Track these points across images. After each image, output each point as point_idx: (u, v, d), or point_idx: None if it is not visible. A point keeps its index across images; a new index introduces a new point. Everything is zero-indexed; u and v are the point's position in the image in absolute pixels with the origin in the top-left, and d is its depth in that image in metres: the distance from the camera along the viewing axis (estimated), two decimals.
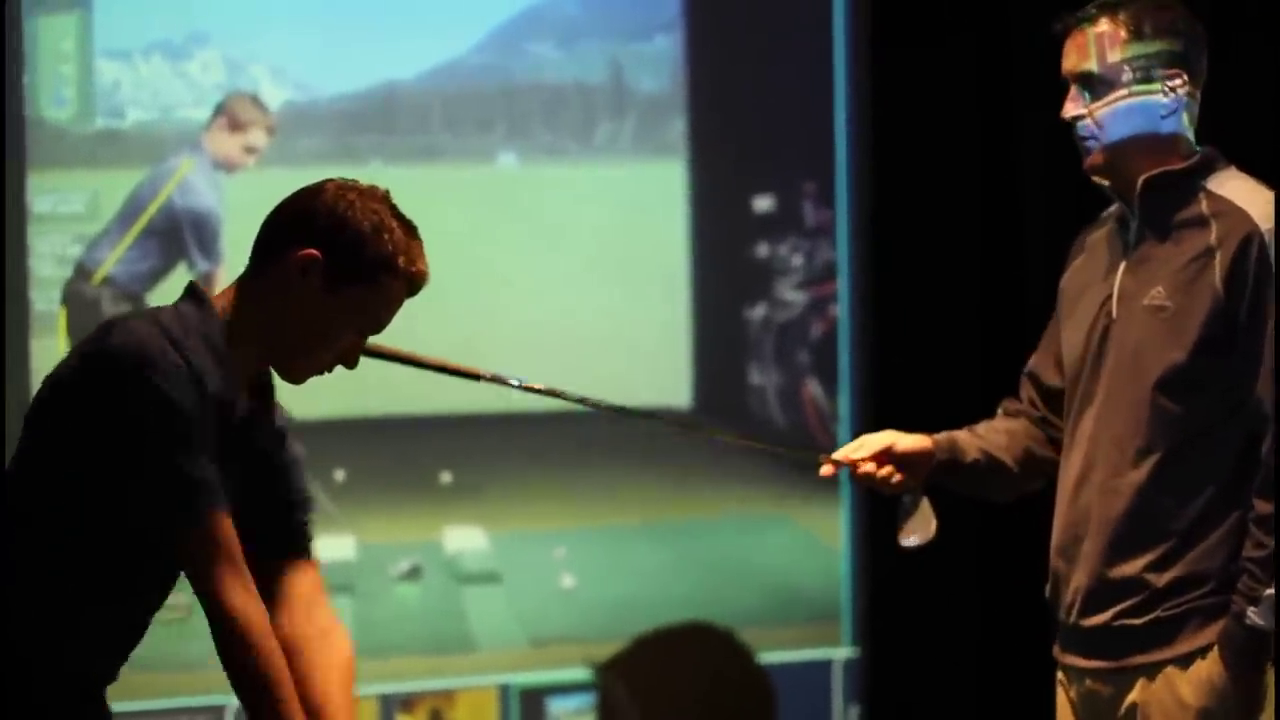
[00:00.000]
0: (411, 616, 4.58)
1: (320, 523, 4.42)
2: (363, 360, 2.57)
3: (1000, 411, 3.26)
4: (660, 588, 4.75)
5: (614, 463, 4.70)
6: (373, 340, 2.58)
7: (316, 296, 2.47)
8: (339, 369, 2.54)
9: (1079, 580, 3.00)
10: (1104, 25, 2.97)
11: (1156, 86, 2.96)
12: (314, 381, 2.54)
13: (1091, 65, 2.97)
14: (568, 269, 4.73)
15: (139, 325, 2.39)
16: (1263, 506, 2.85)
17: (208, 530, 2.35)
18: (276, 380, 2.56)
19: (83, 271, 4.36)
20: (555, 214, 4.75)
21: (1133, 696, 2.95)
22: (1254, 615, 2.84)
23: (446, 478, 4.62)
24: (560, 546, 4.71)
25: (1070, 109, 3.00)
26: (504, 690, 4.62)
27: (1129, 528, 2.95)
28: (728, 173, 4.86)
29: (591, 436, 4.60)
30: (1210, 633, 2.90)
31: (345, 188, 2.51)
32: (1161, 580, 2.93)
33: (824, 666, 4.83)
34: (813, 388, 4.88)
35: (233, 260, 4.24)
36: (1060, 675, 3.09)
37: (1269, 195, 2.93)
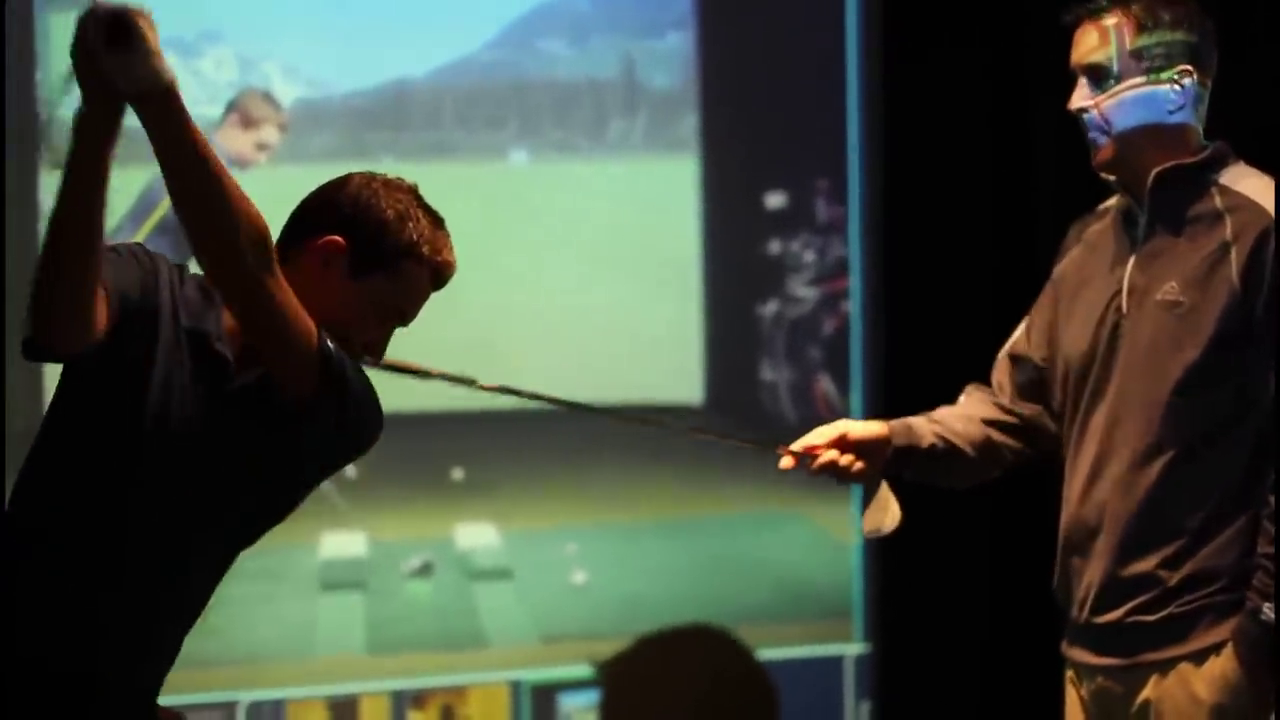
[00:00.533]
0: (423, 613, 4.58)
1: (331, 519, 4.47)
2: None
3: (964, 396, 3.24)
4: (672, 584, 4.74)
5: (625, 459, 4.70)
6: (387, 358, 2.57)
7: (341, 284, 2.47)
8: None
9: (1091, 577, 3.00)
10: (1114, 17, 2.97)
11: (1165, 79, 2.95)
12: None
13: (1100, 57, 2.96)
14: (579, 265, 4.73)
15: None
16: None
17: None
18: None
19: None
20: (567, 211, 4.74)
21: (1146, 693, 2.95)
22: (1269, 611, 2.84)
23: (458, 474, 4.62)
24: (572, 543, 4.70)
25: (1077, 100, 2.99)
26: (515, 686, 4.62)
27: (1143, 524, 2.94)
28: (740, 169, 4.85)
29: (603, 433, 4.59)
30: (1224, 629, 2.90)
31: (371, 178, 2.53)
32: (1175, 577, 2.92)
33: (835, 663, 4.82)
34: (825, 384, 4.88)
35: None
36: (1069, 672, 3.09)
37: None
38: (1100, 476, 2.99)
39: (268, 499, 2.50)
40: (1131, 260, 2.99)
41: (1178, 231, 2.95)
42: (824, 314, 4.87)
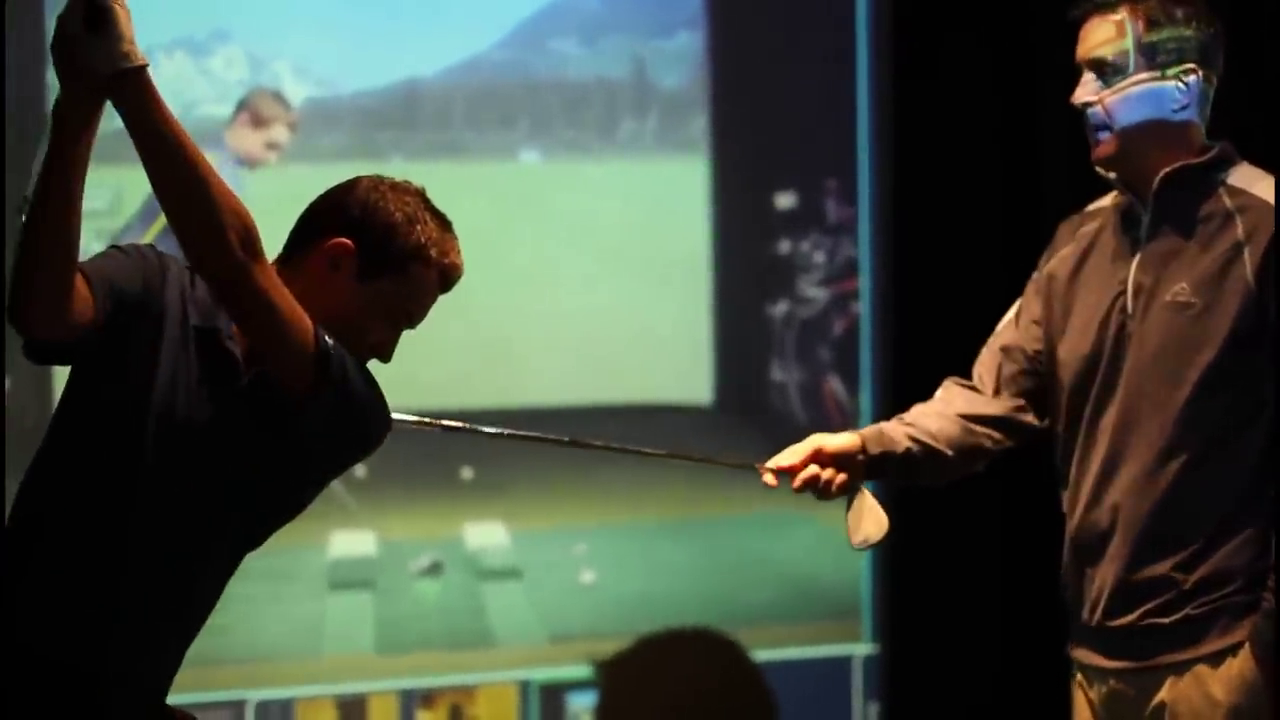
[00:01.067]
0: (432, 612, 4.58)
1: (340, 518, 4.47)
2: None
3: (940, 391, 3.22)
4: (680, 584, 4.74)
5: (634, 459, 4.70)
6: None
7: (349, 286, 2.49)
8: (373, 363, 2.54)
9: (1103, 579, 2.98)
10: (1121, 13, 2.95)
11: (1172, 76, 2.94)
12: None
13: (1108, 51, 2.95)
14: (589, 265, 4.73)
15: None
16: None
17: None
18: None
19: None
20: (577, 210, 4.75)
21: (1160, 696, 2.93)
22: None
23: (467, 474, 4.62)
24: (581, 543, 4.71)
25: (1081, 94, 2.97)
26: (524, 686, 4.62)
27: (1158, 527, 2.93)
28: (750, 169, 4.85)
29: (612, 434, 4.60)
30: (1240, 630, 2.89)
31: (379, 181, 2.55)
32: (1190, 579, 2.91)
33: (844, 663, 4.82)
34: (834, 384, 4.88)
35: None
36: (1079, 675, 3.07)
37: None
38: (1112, 479, 2.97)
39: (274, 498, 2.50)
40: (1135, 261, 2.97)
41: (1185, 232, 2.94)
42: (834, 314, 4.87)
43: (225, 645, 4.20)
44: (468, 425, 2.97)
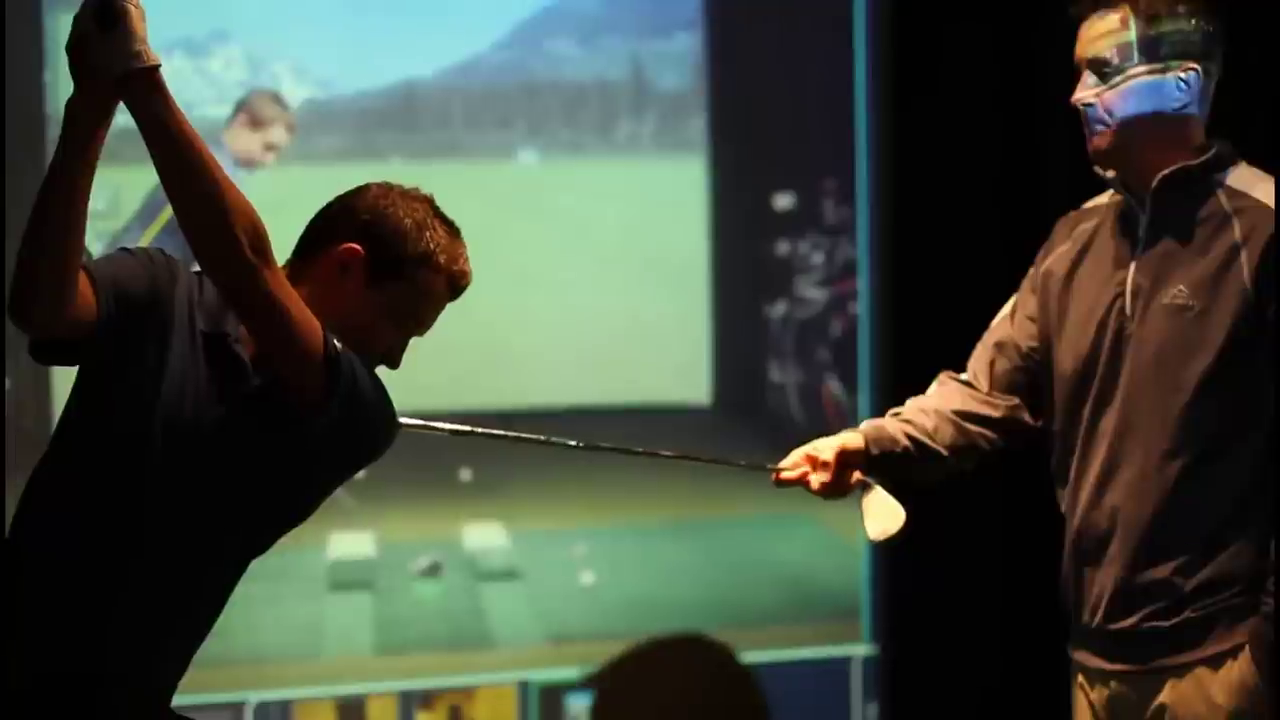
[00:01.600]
0: (431, 614, 4.59)
1: (340, 519, 4.47)
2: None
3: (936, 385, 3.21)
4: (679, 586, 4.75)
5: (633, 461, 4.70)
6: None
7: (358, 292, 2.49)
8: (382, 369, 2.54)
9: (1104, 582, 2.97)
10: (1121, 11, 2.94)
11: (1172, 71, 2.93)
12: None
13: (1108, 47, 2.94)
14: (588, 266, 4.73)
15: None
16: None
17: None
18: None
19: None
20: (575, 211, 4.75)
21: (1161, 698, 2.92)
22: None
23: (466, 475, 4.62)
24: (580, 544, 4.71)
25: (1081, 94, 2.97)
26: (523, 687, 4.62)
27: (1158, 530, 2.91)
28: (748, 170, 4.85)
29: (610, 435, 4.60)
30: (1240, 633, 2.88)
31: (389, 188, 2.56)
32: (1191, 582, 2.90)
33: (843, 664, 4.82)
34: (833, 385, 4.88)
35: None
36: (1080, 677, 3.07)
37: None
38: (1112, 481, 2.97)
39: (281, 502, 2.50)
40: (1133, 263, 2.97)
41: (1183, 234, 2.93)
42: (832, 315, 4.87)
43: (224, 646, 4.19)
44: (476, 429, 2.97)
